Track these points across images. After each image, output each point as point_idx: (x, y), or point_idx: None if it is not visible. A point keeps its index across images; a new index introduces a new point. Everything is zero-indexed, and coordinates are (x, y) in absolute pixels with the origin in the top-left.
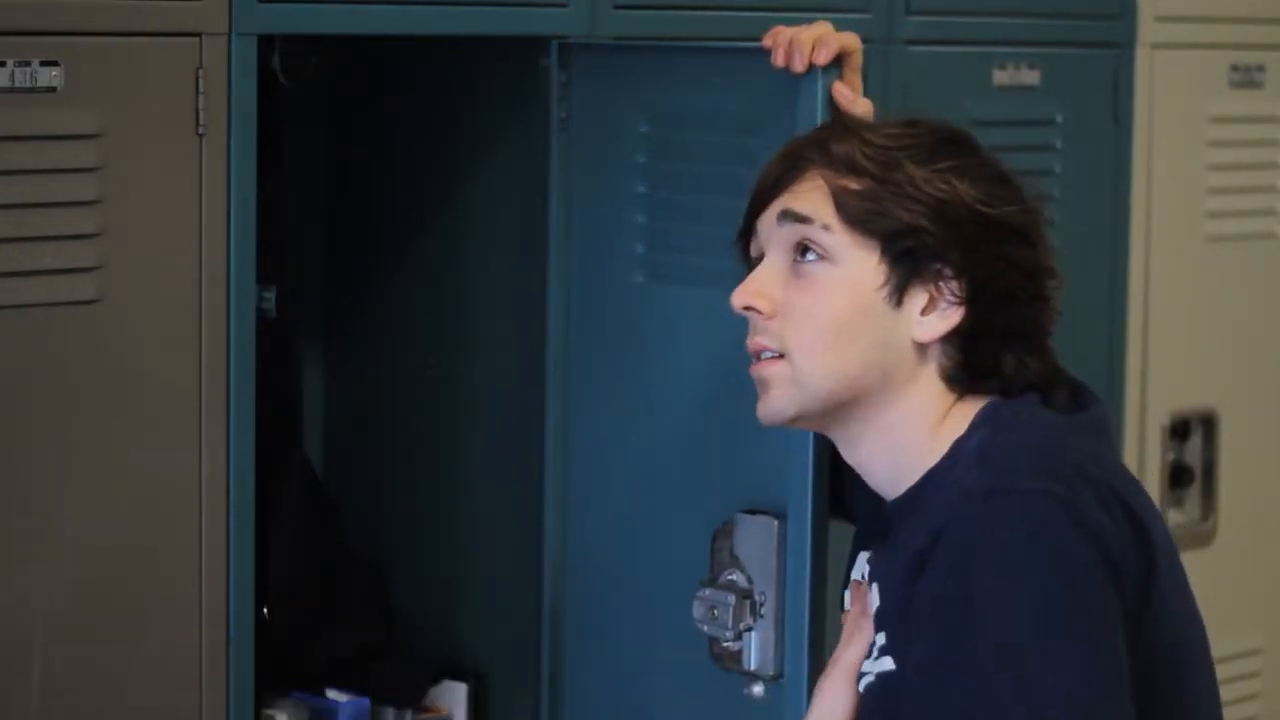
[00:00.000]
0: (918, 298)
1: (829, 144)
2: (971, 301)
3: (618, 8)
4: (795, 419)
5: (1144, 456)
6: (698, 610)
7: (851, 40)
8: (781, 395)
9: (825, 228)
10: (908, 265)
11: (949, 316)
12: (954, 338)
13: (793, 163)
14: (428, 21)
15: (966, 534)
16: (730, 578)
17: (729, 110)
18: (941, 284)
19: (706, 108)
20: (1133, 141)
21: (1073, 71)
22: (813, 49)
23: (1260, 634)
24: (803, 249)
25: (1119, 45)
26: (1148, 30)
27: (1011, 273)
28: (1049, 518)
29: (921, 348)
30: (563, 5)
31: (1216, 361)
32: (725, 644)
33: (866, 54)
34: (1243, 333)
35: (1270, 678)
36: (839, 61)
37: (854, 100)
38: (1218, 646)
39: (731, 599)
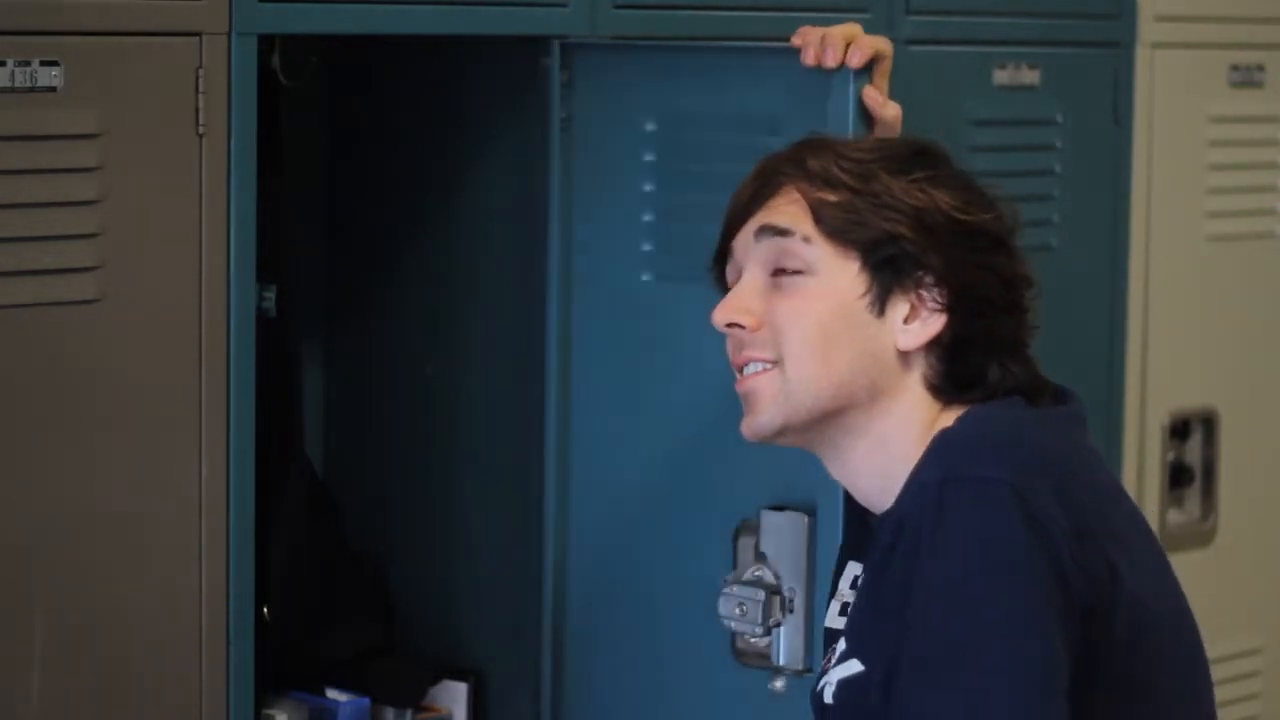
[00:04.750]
0: (900, 306)
1: (804, 159)
2: (953, 309)
3: (618, 7)
4: (782, 431)
5: (1144, 456)
6: (725, 607)
7: (885, 45)
8: (769, 407)
9: (806, 240)
10: (889, 274)
11: (931, 324)
12: (936, 347)
13: (767, 179)
14: (427, 21)
15: (918, 523)
16: (757, 574)
17: (743, 109)
18: (923, 292)
19: (718, 107)
20: (1133, 141)
21: (1073, 71)
22: (846, 48)
23: (1260, 634)
24: (783, 263)
25: (1119, 45)
26: (1148, 30)
27: (990, 279)
28: (997, 508)
29: (905, 357)
30: (563, 5)
31: (1216, 361)
32: (752, 639)
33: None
34: (1243, 333)
35: (1270, 678)
36: (868, 65)
37: (884, 104)
38: (1218, 646)
39: (761, 595)
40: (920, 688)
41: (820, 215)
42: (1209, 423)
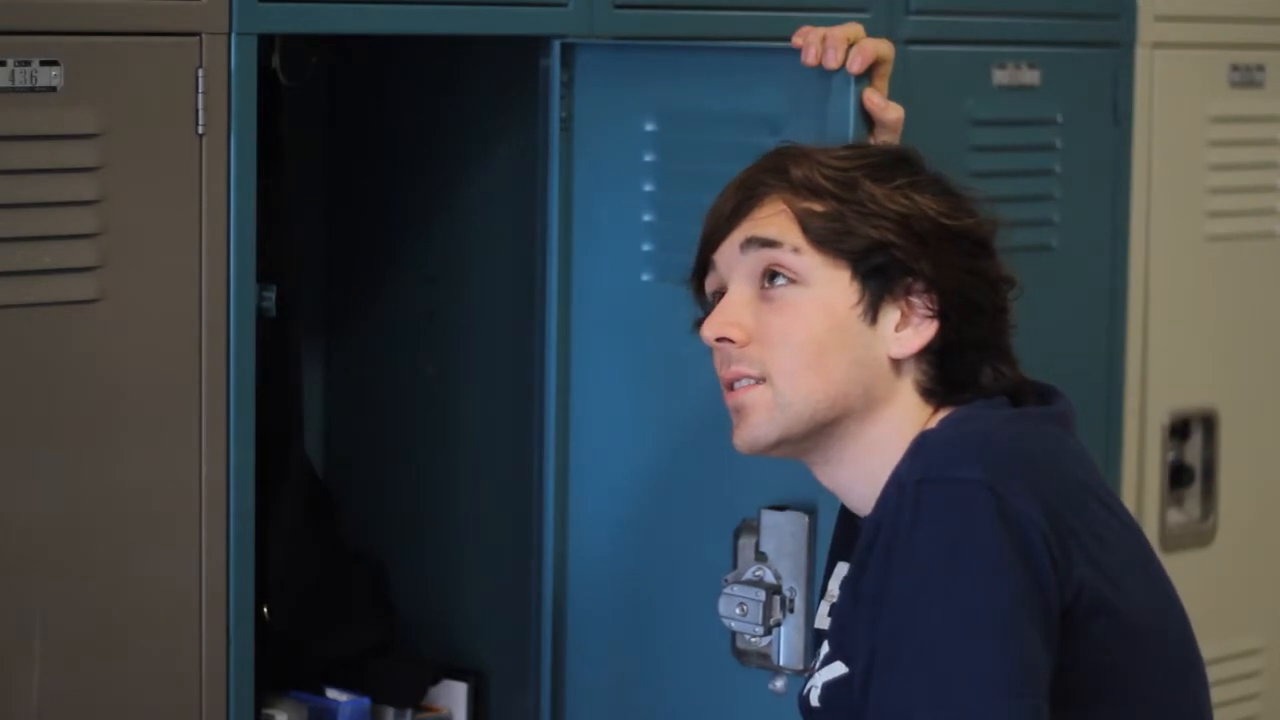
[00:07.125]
0: (891, 314)
1: (786, 168)
2: (944, 315)
3: (618, 7)
4: (778, 444)
5: (1144, 456)
6: (725, 606)
7: (887, 48)
8: (763, 420)
9: (795, 250)
10: (879, 282)
11: (923, 331)
12: (928, 353)
13: (749, 191)
14: (428, 21)
15: (894, 524)
16: (757, 574)
17: (743, 109)
18: (913, 299)
19: (718, 107)
20: (1133, 141)
21: (1073, 71)
22: (848, 49)
23: (1260, 634)
24: (771, 275)
25: (1119, 45)
26: (1148, 30)
27: (979, 283)
28: (972, 508)
29: (897, 364)
30: (562, 5)
31: (1216, 361)
32: (752, 639)
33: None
34: (1243, 333)
35: (1270, 678)
36: (870, 68)
37: (885, 107)
38: (1218, 646)
39: (762, 595)
40: (892, 686)
41: (808, 225)
42: (1209, 423)
